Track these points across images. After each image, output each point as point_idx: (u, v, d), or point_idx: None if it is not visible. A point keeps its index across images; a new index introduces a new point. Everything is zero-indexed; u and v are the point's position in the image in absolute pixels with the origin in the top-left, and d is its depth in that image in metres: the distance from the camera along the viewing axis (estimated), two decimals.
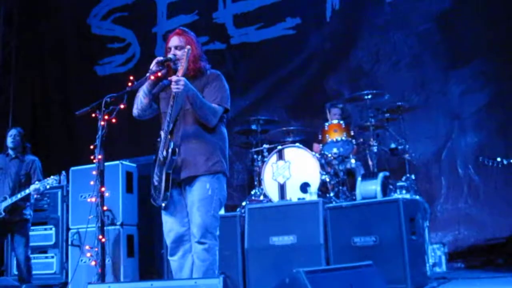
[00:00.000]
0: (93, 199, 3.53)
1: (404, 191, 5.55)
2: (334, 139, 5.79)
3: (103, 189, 3.49)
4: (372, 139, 5.85)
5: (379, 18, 7.20)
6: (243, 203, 5.88)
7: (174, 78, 3.30)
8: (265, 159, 5.96)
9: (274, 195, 5.71)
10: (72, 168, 6.21)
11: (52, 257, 6.30)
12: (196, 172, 3.42)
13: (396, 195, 5.38)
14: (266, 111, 7.30)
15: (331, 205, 5.00)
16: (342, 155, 5.81)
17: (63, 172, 6.56)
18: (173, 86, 3.28)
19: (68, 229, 6.14)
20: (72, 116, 4.14)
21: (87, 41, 9.15)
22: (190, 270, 3.47)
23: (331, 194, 5.56)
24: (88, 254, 4.32)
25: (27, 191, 5.32)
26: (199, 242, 3.38)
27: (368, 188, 5.30)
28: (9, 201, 5.36)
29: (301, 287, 2.73)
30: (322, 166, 5.65)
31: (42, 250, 6.35)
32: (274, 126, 6.59)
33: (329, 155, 5.79)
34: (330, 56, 7.48)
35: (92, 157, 3.54)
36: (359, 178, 5.48)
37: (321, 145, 5.92)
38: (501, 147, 6.23)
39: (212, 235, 3.41)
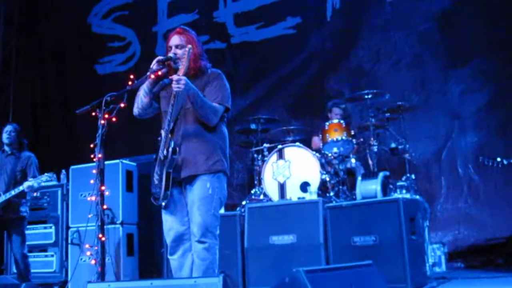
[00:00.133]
0: (93, 198, 3.53)
1: (404, 191, 5.55)
2: (335, 139, 5.78)
3: (103, 187, 3.48)
4: (372, 139, 5.85)
5: (379, 17, 7.20)
6: (243, 202, 5.89)
7: (175, 77, 3.29)
8: (265, 158, 5.96)
9: (274, 195, 5.72)
10: (72, 167, 6.21)
11: (52, 255, 6.29)
12: (197, 171, 3.42)
13: (396, 195, 5.38)
14: (266, 110, 7.30)
15: (331, 204, 5.01)
16: (342, 154, 5.81)
17: (63, 171, 6.56)
18: (174, 85, 3.28)
19: (68, 227, 6.14)
20: (72, 115, 4.16)
21: (87, 40, 9.15)
22: (190, 269, 3.47)
23: (331, 194, 5.56)
24: (88, 253, 4.32)
25: (21, 188, 5.22)
26: (199, 241, 3.38)
27: (368, 188, 5.30)
28: (3, 198, 5.28)
29: (301, 287, 2.73)
30: (322, 166, 5.65)
31: (42, 248, 6.35)
32: (274, 125, 6.60)
33: (329, 155, 5.80)
34: (331, 55, 7.48)
35: (92, 156, 3.54)
36: (359, 178, 5.48)
37: (320, 136, 5.92)
38: (501, 147, 6.23)
39: (212, 234, 3.41)
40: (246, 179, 7.45)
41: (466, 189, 6.52)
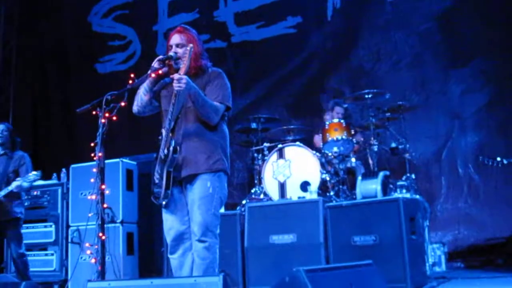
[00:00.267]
0: (93, 197, 3.53)
1: (404, 191, 5.54)
2: (335, 138, 5.78)
3: (103, 186, 3.49)
4: (372, 138, 5.85)
5: (380, 17, 7.21)
6: (243, 202, 5.88)
7: (176, 76, 3.29)
8: (266, 157, 5.97)
9: (274, 194, 5.72)
10: (72, 166, 6.21)
11: (52, 254, 6.29)
12: (197, 170, 3.42)
13: (396, 195, 5.38)
14: (266, 109, 7.31)
15: (331, 204, 5.00)
16: (343, 154, 5.81)
17: (63, 170, 6.56)
18: (175, 84, 3.28)
19: (68, 226, 6.14)
20: (72, 115, 4.16)
21: (87, 39, 9.14)
22: (190, 268, 3.47)
23: (331, 193, 5.56)
24: (88, 252, 4.31)
25: (9, 188, 5.12)
26: (200, 241, 3.38)
27: (368, 187, 5.30)
28: None
29: (301, 286, 2.73)
30: (322, 165, 5.65)
31: (42, 247, 6.34)
32: (274, 125, 6.59)
33: (330, 154, 5.80)
34: (331, 55, 7.48)
35: (92, 155, 3.54)
36: (360, 177, 5.48)
37: (321, 135, 5.92)
38: (501, 147, 6.23)
39: (213, 233, 3.41)
40: (246, 178, 7.45)
41: (466, 189, 6.52)
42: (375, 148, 5.82)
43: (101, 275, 3.40)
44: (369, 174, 5.51)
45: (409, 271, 4.41)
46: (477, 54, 6.64)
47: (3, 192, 5.17)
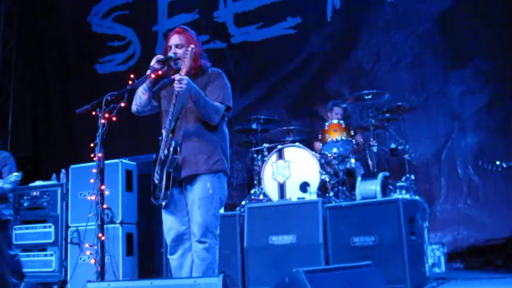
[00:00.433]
0: (93, 197, 3.53)
1: (403, 191, 5.55)
2: (334, 139, 5.79)
3: (103, 187, 3.48)
4: (372, 139, 5.85)
5: (379, 18, 7.20)
6: (243, 202, 5.89)
7: (177, 77, 3.29)
8: (265, 158, 5.97)
9: (273, 195, 5.72)
10: (72, 166, 6.19)
11: (51, 255, 6.28)
12: (197, 170, 3.42)
13: (396, 195, 5.38)
14: (266, 110, 7.30)
15: (330, 204, 5.01)
16: (342, 155, 5.81)
17: (63, 170, 6.56)
18: (176, 85, 3.28)
19: (67, 227, 6.13)
20: (72, 115, 4.15)
21: (87, 39, 9.14)
22: (189, 269, 3.47)
23: (331, 194, 5.56)
24: (88, 252, 4.30)
25: None
26: (200, 241, 3.38)
27: (368, 188, 5.31)
28: None
29: (301, 287, 2.73)
30: (322, 166, 5.66)
31: (41, 248, 6.33)
32: (274, 126, 6.59)
33: (329, 155, 5.80)
34: (331, 55, 7.48)
35: (92, 155, 3.54)
36: (359, 178, 5.49)
37: (320, 137, 5.92)
38: (501, 147, 6.24)
39: (213, 234, 3.41)
40: (245, 179, 7.45)
41: (465, 190, 6.52)
42: (375, 149, 5.82)
43: (101, 276, 3.39)
44: (369, 175, 5.52)
45: (409, 272, 4.42)
46: (477, 54, 6.64)
47: None
